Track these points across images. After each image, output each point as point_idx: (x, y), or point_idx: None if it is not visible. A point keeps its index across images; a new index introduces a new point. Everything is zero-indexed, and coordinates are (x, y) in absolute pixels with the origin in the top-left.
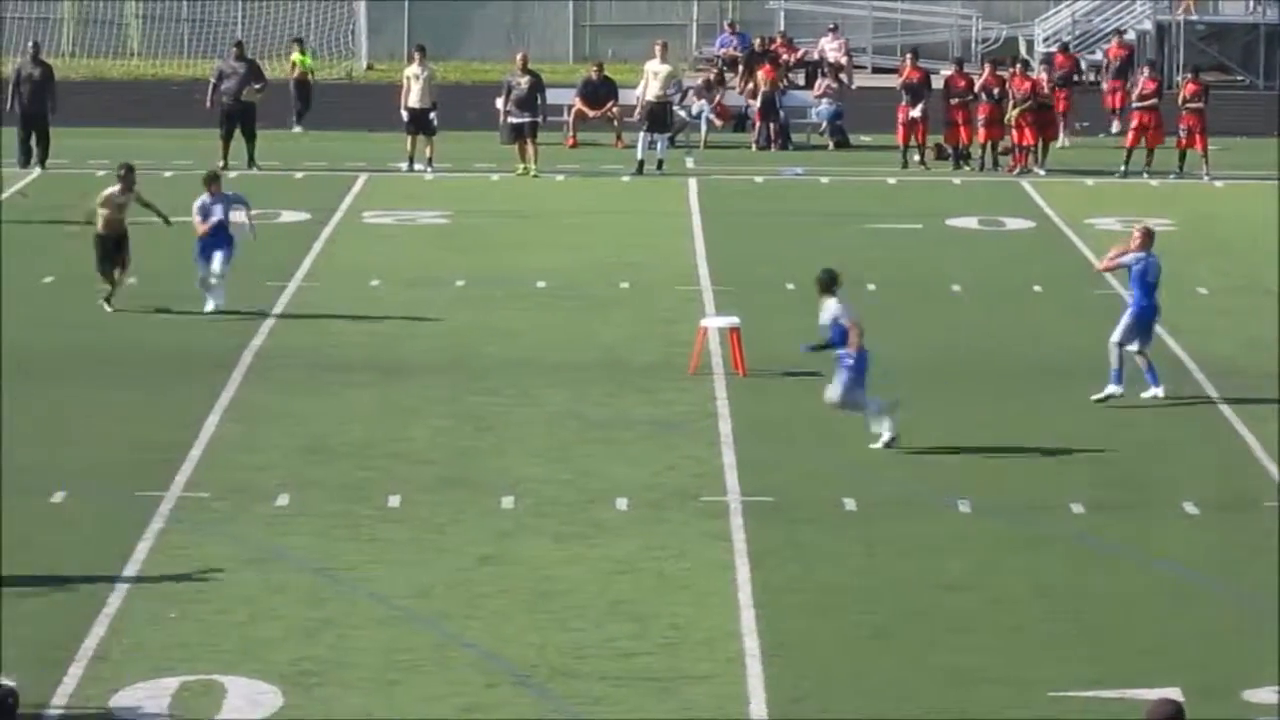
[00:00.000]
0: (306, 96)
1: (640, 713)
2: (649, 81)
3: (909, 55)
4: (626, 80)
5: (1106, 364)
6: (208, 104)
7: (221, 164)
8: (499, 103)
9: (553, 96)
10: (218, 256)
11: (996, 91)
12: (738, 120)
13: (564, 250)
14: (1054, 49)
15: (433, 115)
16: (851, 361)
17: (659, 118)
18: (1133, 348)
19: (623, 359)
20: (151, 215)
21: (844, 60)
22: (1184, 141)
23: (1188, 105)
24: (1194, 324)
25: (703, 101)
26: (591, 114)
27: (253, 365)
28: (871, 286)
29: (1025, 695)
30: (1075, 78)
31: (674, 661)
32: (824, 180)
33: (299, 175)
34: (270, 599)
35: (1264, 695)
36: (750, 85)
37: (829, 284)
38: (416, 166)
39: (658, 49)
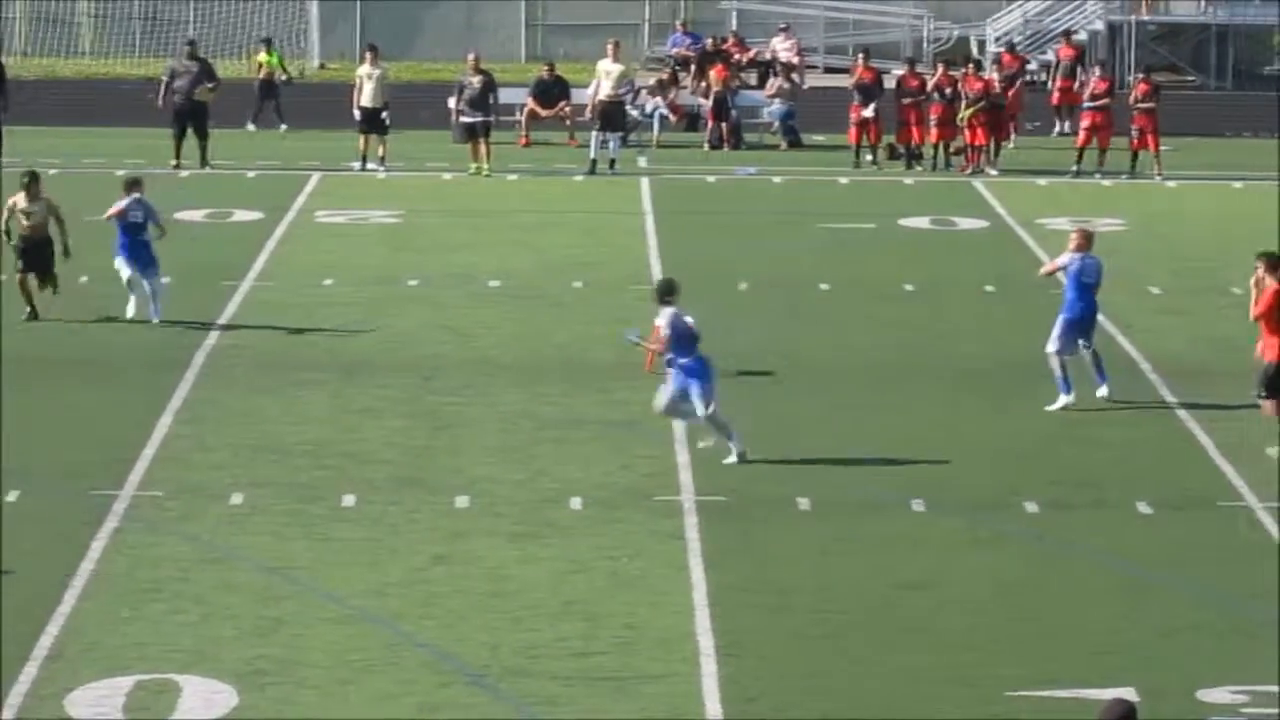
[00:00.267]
0: (273, 96)
1: (595, 713)
2: (601, 81)
3: (861, 55)
4: (579, 80)
5: (1051, 375)
6: (159, 103)
7: (174, 163)
8: (451, 102)
9: (505, 96)
10: (146, 273)
11: (949, 91)
12: (690, 120)
13: (517, 250)
14: (1003, 49)
15: (385, 115)
16: (680, 367)
17: (612, 117)
18: (1082, 343)
19: (576, 359)
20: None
21: (796, 60)
22: (1136, 142)
23: (1139, 105)
24: (1147, 323)
25: (656, 100)
26: (544, 113)
27: (206, 365)
28: (825, 286)
29: (980, 695)
30: (1023, 78)
31: (628, 661)
32: (776, 180)
33: (251, 174)
34: (224, 598)
35: (1217, 695)
36: (703, 85)
37: (663, 293)
38: (369, 166)
39: (610, 48)
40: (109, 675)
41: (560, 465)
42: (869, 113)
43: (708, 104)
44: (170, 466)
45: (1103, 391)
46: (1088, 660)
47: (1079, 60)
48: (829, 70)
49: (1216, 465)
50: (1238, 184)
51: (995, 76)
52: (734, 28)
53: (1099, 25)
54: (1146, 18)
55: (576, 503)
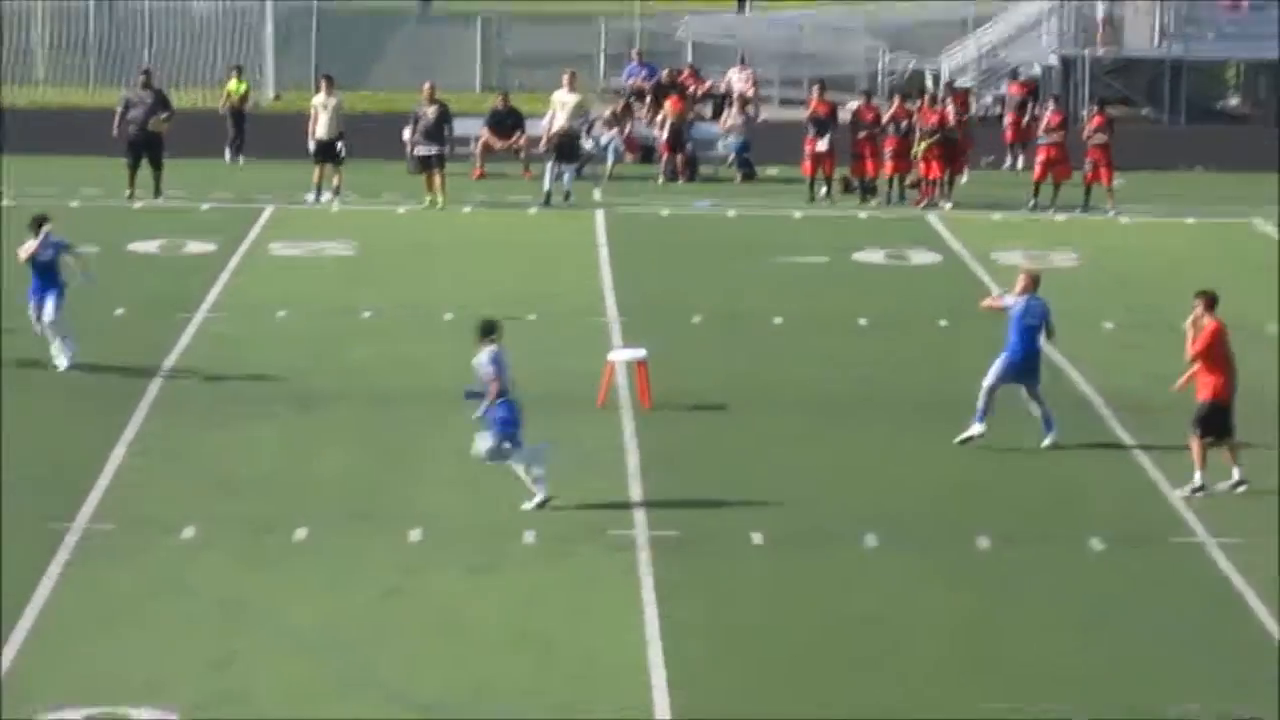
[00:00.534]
0: (241, 126)
1: None
2: (556, 112)
3: (816, 87)
4: (535, 110)
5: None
6: (114, 133)
7: (128, 193)
8: (406, 133)
9: (460, 127)
10: (49, 304)
11: (904, 124)
12: (645, 152)
13: (471, 282)
14: (958, 84)
15: (340, 145)
16: (496, 414)
17: (567, 149)
18: (1023, 394)
19: (530, 391)
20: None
21: (751, 92)
22: (1090, 175)
23: (1093, 139)
24: (1099, 358)
25: (611, 132)
26: (499, 145)
27: (158, 398)
28: (778, 320)
29: None
30: (969, 114)
31: (581, 694)
32: (731, 213)
33: (205, 206)
34: (177, 630)
35: None
36: (658, 117)
37: (484, 333)
38: (324, 197)
39: (566, 79)
40: (60, 708)
41: (514, 498)
42: (824, 145)
43: (663, 136)
44: (123, 500)
45: (1048, 442)
46: (1045, 691)
47: (1031, 95)
48: (784, 102)
49: (1167, 500)
50: (1190, 220)
51: (950, 109)
52: (689, 59)
53: (1053, 60)
54: (1100, 52)
55: (530, 536)
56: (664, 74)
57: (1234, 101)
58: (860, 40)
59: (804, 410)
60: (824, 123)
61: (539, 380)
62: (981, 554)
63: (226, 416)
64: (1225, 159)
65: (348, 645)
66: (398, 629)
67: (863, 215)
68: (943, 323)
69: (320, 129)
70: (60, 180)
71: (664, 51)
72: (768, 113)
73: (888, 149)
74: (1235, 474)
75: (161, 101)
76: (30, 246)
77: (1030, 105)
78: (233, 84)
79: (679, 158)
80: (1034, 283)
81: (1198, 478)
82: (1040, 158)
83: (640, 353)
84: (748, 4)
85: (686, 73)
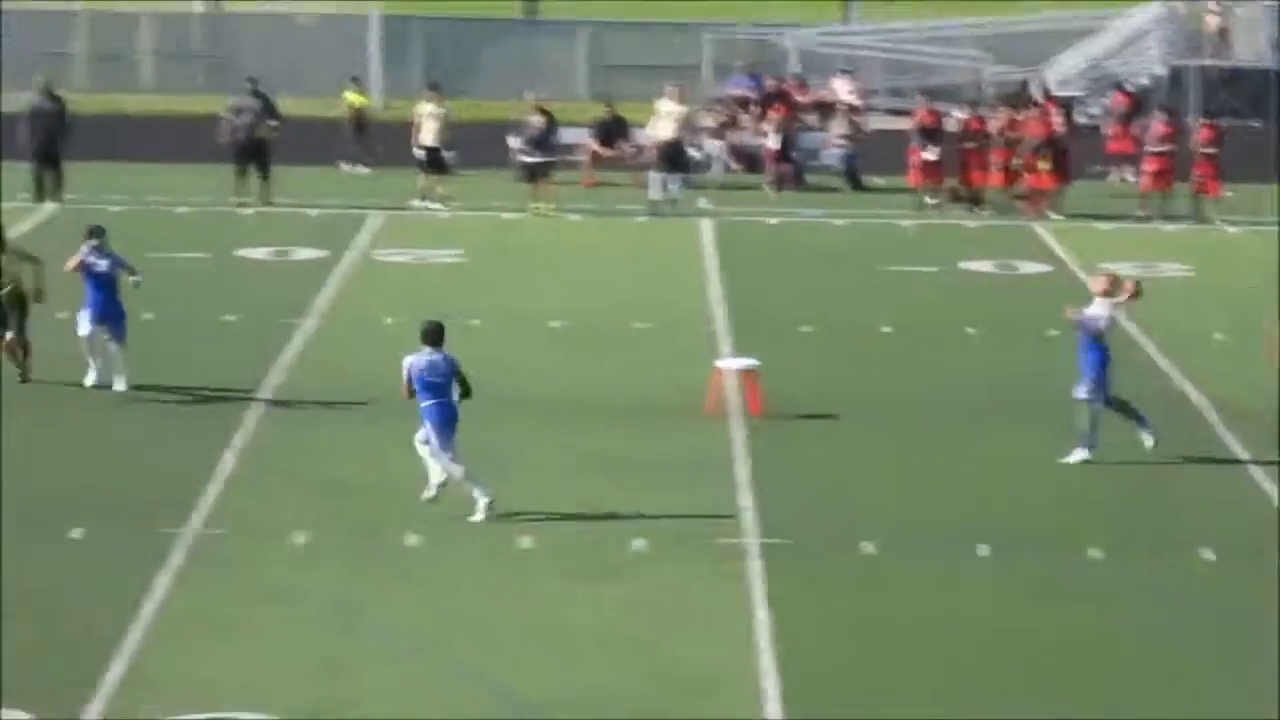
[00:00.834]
0: (363, 135)
1: None
2: (662, 121)
3: (922, 97)
4: (640, 120)
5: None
6: (222, 140)
7: (236, 200)
8: (512, 141)
9: (567, 135)
10: (113, 338)
11: (1011, 135)
12: (751, 161)
13: (579, 290)
14: (1059, 93)
15: (447, 153)
16: (434, 412)
17: (673, 158)
18: (1102, 400)
19: (639, 399)
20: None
21: (858, 102)
22: (1198, 187)
23: (1202, 150)
24: (1208, 369)
25: (717, 142)
26: (605, 153)
27: (267, 404)
28: (886, 329)
29: None
30: (1074, 125)
31: (691, 701)
32: (838, 222)
33: (313, 213)
34: (286, 636)
35: None
36: (764, 126)
37: (427, 336)
38: (430, 205)
39: (670, 89)
40: (173, 714)
41: (623, 505)
42: (931, 155)
43: (769, 145)
44: (232, 504)
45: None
46: (1154, 703)
47: (1136, 107)
48: (890, 112)
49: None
50: None
51: (1058, 120)
52: (795, 69)
53: (1161, 70)
54: (1209, 62)
55: (639, 543)
56: (770, 84)
57: None
58: (966, 49)
59: (913, 419)
60: (931, 132)
61: (647, 388)
62: (1093, 565)
63: (336, 423)
64: None
65: (455, 651)
66: (505, 635)
67: (971, 225)
68: (1052, 332)
69: (427, 137)
70: (168, 188)
71: (770, 61)
72: (874, 122)
73: (995, 159)
74: None
75: (269, 109)
76: (78, 257)
77: (1134, 116)
78: (352, 94)
79: (786, 167)
80: (1114, 287)
81: None
82: (1149, 168)
83: (751, 361)
84: (853, 12)
85: (792, 82)
